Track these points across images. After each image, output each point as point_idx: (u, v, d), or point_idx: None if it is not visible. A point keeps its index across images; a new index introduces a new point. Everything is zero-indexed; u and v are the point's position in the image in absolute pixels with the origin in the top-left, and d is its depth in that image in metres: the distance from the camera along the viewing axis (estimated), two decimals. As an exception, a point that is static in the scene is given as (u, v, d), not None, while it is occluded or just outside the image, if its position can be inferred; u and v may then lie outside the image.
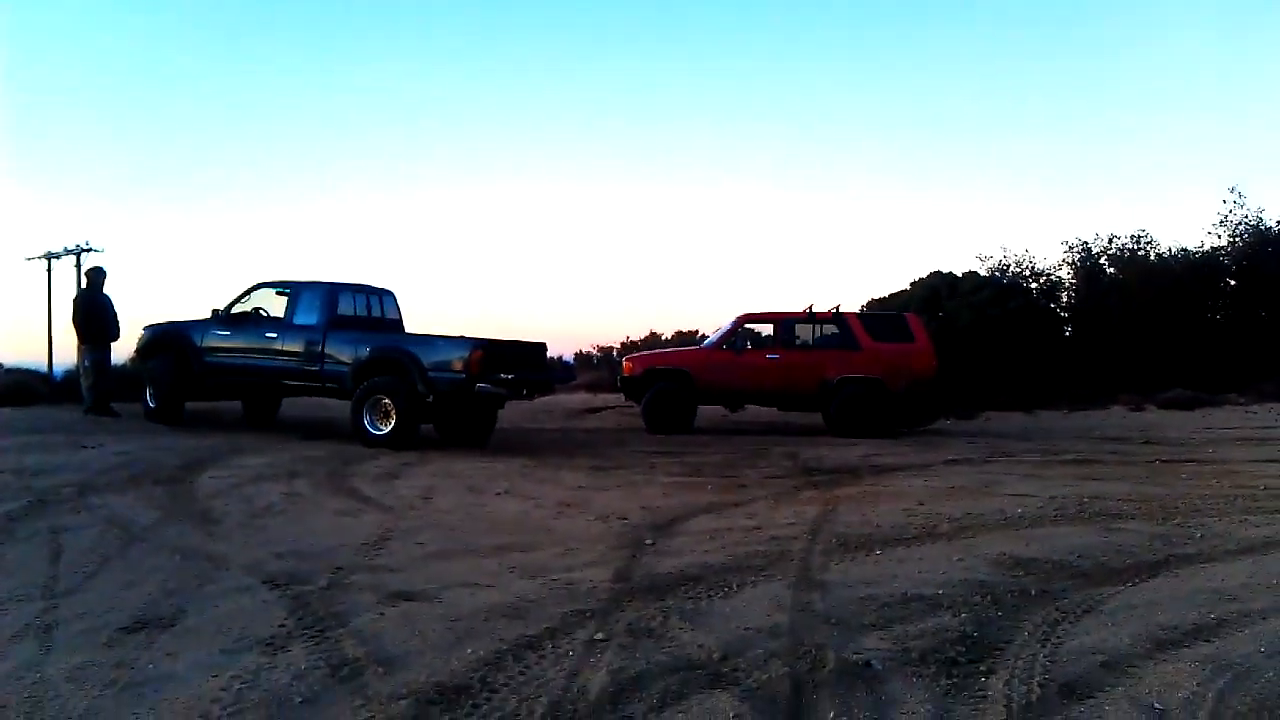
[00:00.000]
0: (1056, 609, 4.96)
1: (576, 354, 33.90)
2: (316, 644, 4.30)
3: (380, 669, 3.99)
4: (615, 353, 32.31)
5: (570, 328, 68.59)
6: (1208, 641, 4.44)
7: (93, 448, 10.55)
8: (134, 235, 67.97)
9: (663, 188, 69.77)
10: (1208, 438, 14.63)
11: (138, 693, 3.77)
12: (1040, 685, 3.84)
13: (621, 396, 17.78)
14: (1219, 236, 25.71)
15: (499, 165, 70.71)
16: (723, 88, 67.26)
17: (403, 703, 3.63)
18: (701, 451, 12.66)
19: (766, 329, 16.91)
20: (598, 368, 30.72)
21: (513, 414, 15.49)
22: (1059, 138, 61.04)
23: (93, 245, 37.64)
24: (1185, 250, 25.85)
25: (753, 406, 17.18)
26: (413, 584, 5.38)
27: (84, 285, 15.20)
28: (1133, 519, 7.57)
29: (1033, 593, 5.28)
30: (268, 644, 4.30)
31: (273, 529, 6.99)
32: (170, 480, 8.79)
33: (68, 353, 20.39)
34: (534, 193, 71.59)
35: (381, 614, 4.78)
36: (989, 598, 5.15)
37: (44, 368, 28.65)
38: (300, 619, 4.67)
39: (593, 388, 25.12)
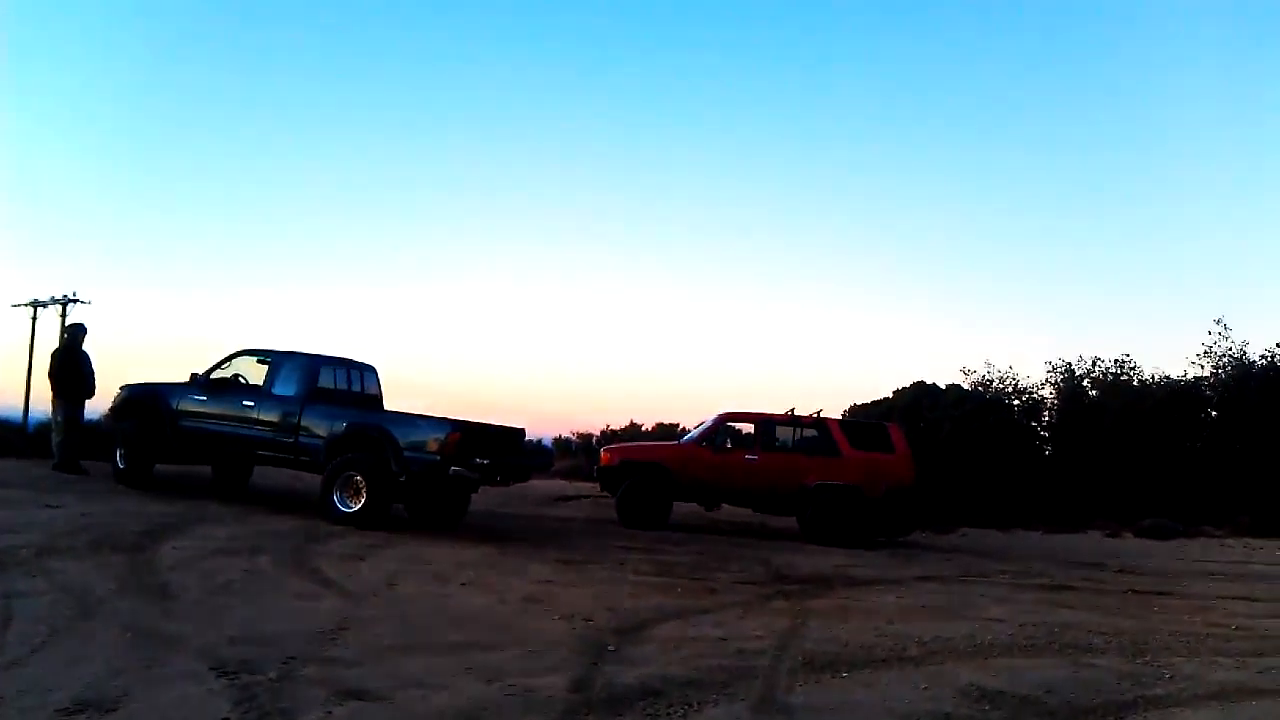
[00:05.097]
0: (1021, 750, 4.85)
1: (556, 439, 33.85)
2: (259, 742, 4.17)
3: (322, 775, 3.86)
4: (595, 440, 32.18)
5: (551, 411, 68.34)
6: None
7: (56, 507, 10.41)
8: (120, 293, 67.86)
9: (651, 282, 70.14)
10: (1182, 569, 14.56)
11: (68, 784, 3.63)
12: (1000, 837, 3.74)
13: (597, 485, 17.65)
14: (1202, 366, 25.86)
15: (488, 247, 71.12)
16: (714, 187, 68.08)
17: (341, 815, 3.51)
18: (673, 550, 12.51)
19: (748, 428, 16.88)
20: (575, 454, 30.55)
21: (486, 497, 15.33)
22: (1047, 258, 61.82)
23: (79, 297, 37.35)
24: (1168, 378, 26.02)
25: (729, 505, 17.06)
26: (365, 681, 5.24)
27: (64, 339, 15.15)
28: (1103, 653, 7.47)
29: (998, 730, 5.17)
30: (209, 739, 4.17)
31: (229, 609, 6.84)
32: (131, 548, 8.64)
33: (44, 404, 20.26)
34: (522, 277, 71.95)
35: (329, 712, 4.64)
36: (954, 733, 5.05)
37: (19, 417, 28.32)
38: (245, 712, 4.54)
39: (570, 474, 24.98)
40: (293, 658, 5.60)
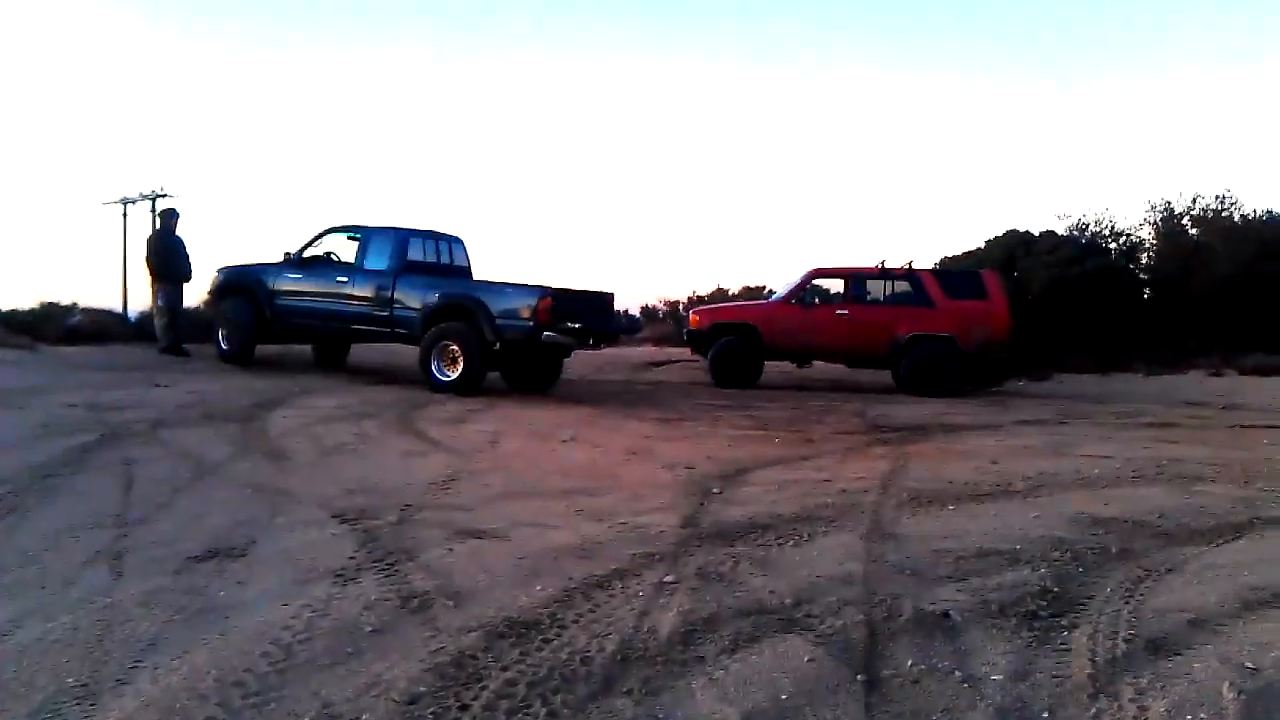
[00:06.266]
0: (1139, 567, 4.80)
1: (642, 308, 33.71)
2: (386, 576, 4.31)
3: (449, 602, 3.98)
4: (681, 307, 32.06)
5: (636, 281, 68.40)
6: (1300, 605, 4.26)
7: (165, 386, 10.73)
8: (208, 179, 68.47)
9: (732, 142, 68.94)
10: (1290, 404, 14.18)
11: (208, 618, 3.79)
12: (1125, 641, 3.72)
13: (687, 350, 17.67)
14: (1309, 199, 24.82)
15: (570, 118, 70.37)
16: (797, 36, 66.12)
17: (473, 635, 3.61)
18: (768, 406, 12.51)
19: (837, 285, 16.66)
20: (663, 321, 30.52)
21: (578, 364, 15.48)
22: (1145, 93, 59.18)
23: (167, 191, 38.00)
24: (1270, 212, 24.96)
25: (820, 363, 16.97)
26: (481, 522, 5.38)
27: (157, 226, 15.44)
28: (1213, 482, 7.33)
29: (1113, 551, 5.12)
30: (338, 575, 4.32)
31: (342, 467, 7.04)
32: (241, 418, 8.89)
33: (142, 297, 20.76)
34: (602, 145, 71.18)
35: (450, 550, 4.78)
36: (1068, 554, 5.01)
37: (119, 309, 29.12)
38: (370, 552, 4.69)
39: (658, 341, 24.99)
40: (409, 505, 5.76)
